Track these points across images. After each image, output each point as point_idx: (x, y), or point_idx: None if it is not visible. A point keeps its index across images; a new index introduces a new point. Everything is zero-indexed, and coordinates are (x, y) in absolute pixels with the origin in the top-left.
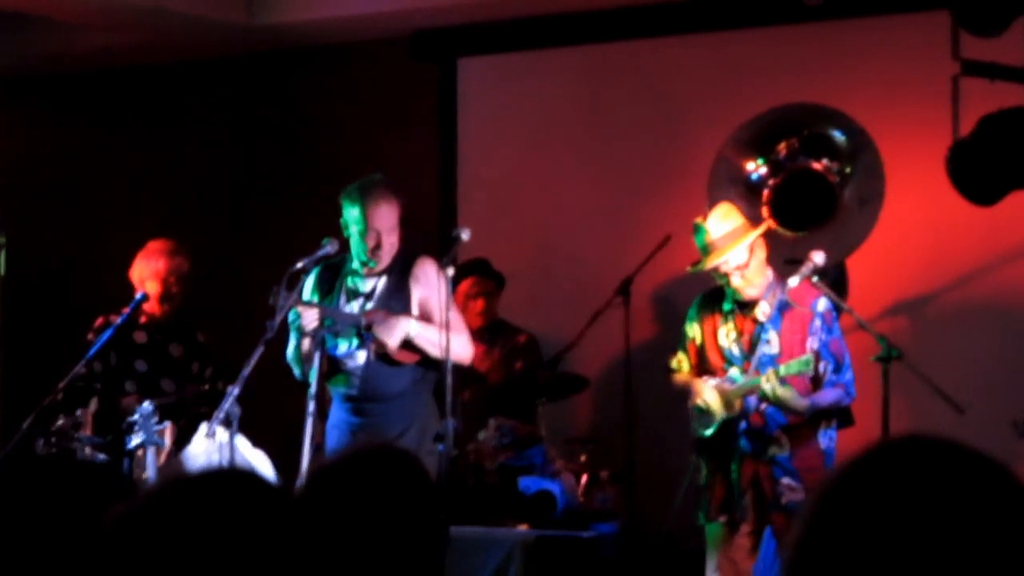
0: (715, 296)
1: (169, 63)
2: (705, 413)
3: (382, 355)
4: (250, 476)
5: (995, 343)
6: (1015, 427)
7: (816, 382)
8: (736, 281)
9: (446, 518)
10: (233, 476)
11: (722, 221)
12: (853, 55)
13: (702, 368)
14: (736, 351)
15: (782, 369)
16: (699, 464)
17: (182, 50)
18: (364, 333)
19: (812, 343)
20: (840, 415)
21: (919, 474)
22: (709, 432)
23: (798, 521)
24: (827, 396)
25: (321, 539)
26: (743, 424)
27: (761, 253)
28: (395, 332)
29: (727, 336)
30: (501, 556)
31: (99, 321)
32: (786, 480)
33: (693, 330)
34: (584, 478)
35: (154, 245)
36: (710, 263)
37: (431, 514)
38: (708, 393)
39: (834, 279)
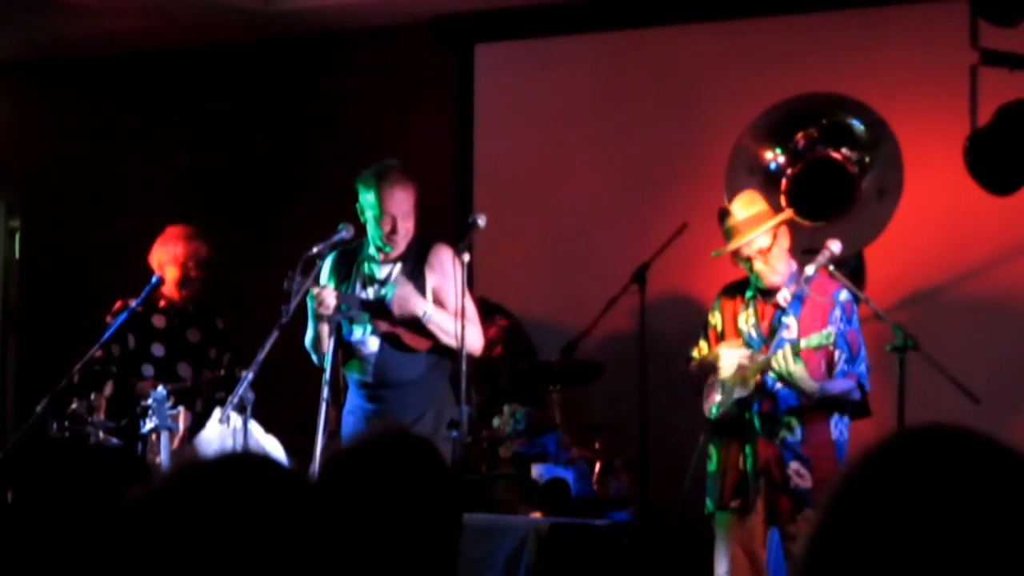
0: (739, 286)
1: (186, 48)
2: (727, 385)
3: (395, 341)
4: (266, 460)
5: (1011, 333)
6: None
7: (830, 369)
8: (759, 265)
9: (460, 505)
10: (250, 460)
11: (747, 206)
12: (871, 44)
13: None
14: (755, 335)
15: (802, 343)
16: (707, 450)
17: (199, 35)
18: (375, 318)
19: (830, 330)
20: (856, 406)
21: (940, 464)
22: (715, 413)
23: (816, 512)
24: (837, 384)
25: (337, 524)
26: (756, 404)
27: (784, 241)
28: (409, 302)
29: (746, 321)
30: (514, 543)
31: (118, 304)
32: (795, 465)
33: (715, 318)
34: (598, 466)
35: (172, 230)
36: (732, 245)
37: (446, 501)
38: (725, 356)
39: (852, 269)
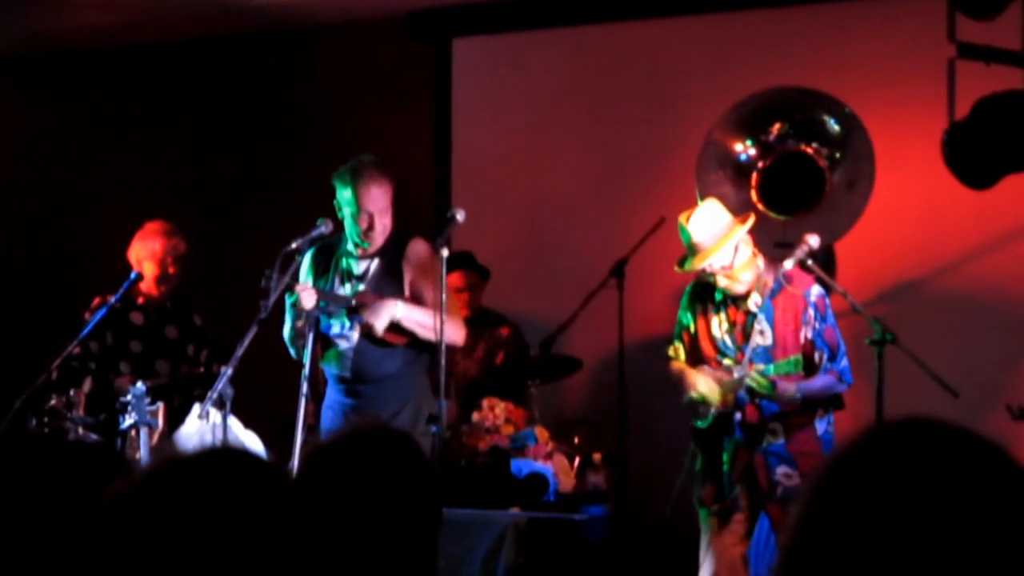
0: (708, 285)
1: (161, 43)
2: (699, 405)
3: (372, 337)
4: (246, 455)
5: (988, 327)
6: (1009, 410)
7: (812, 371)
8: (723, 281)
9: (439, 499)
10: (229, 455)
11: (706, 222)
12: (849, 37)
13: (695, 358)
14: (729, 342)
15: (771, 369)
16: (696, 452)
17: (175, 30)
18: (353, 316)
19: (806, 332)
20: (834, 399)
21: (919, 457)
22: (705, 424)
23: (796, 506)
24: (816, 382)
25: (317, 518)
26: (737, 416)
27: (746, 249)
28: (381, 315)
29: (719, 327)
30: (493, 538)
31: (96, 301)
32: (782, 468)
33: (687, 319)
34: (576, 460)
35: (151, 226)
36: (696, 266)
37: (426, 495)
38: (703, 384)
39: (822, 263)
